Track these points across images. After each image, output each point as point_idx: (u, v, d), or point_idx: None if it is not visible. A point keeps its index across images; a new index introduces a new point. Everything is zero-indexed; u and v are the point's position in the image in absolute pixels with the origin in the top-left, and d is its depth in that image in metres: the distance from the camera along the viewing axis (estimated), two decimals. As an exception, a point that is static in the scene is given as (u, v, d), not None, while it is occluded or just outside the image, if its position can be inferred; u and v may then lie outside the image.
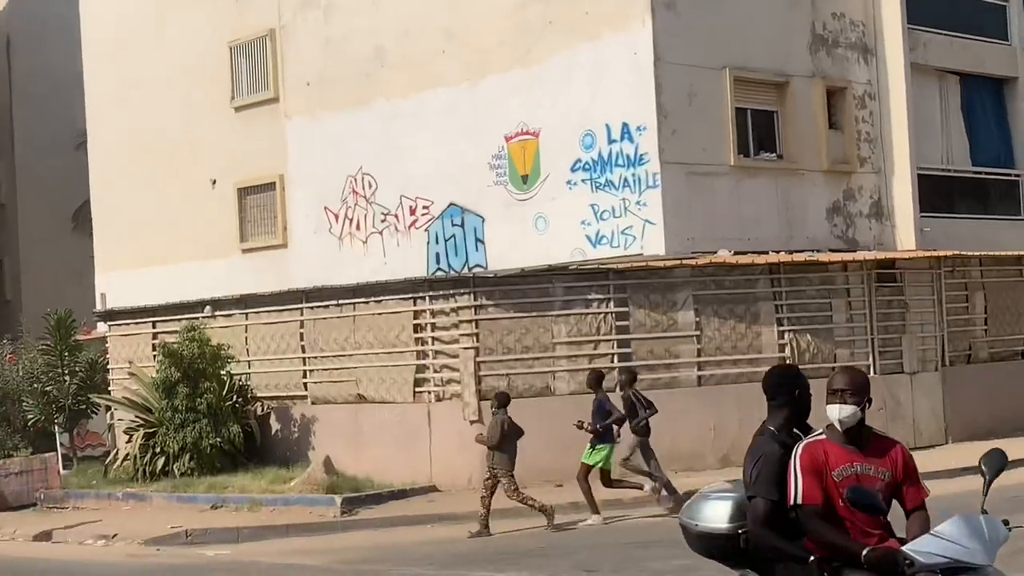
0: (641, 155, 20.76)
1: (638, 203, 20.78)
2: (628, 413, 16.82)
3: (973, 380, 22.32)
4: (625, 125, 20.97)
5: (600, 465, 16.51)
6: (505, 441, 15.98)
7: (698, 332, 20.02)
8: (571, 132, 21.66)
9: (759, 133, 22.47)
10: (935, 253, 22.28)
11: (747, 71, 21.88)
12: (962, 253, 22.65)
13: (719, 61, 21.46)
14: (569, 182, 21.72)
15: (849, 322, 21.18)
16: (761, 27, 22.18)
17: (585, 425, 16.61)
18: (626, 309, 19.75)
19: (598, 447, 16.54)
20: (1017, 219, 25.74)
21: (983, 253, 23.21)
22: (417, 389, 20.11)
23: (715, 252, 20.58)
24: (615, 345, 19.70)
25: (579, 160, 21.55)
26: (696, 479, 18.48)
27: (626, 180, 20.97)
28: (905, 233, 23.50)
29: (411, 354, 20.43)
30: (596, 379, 17.17)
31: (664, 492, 16.77)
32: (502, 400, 16.43)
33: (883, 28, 23.64)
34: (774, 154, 22.55)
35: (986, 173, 25.70)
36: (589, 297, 19.73)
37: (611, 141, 21.14)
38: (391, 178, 24.41)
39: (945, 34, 24.79)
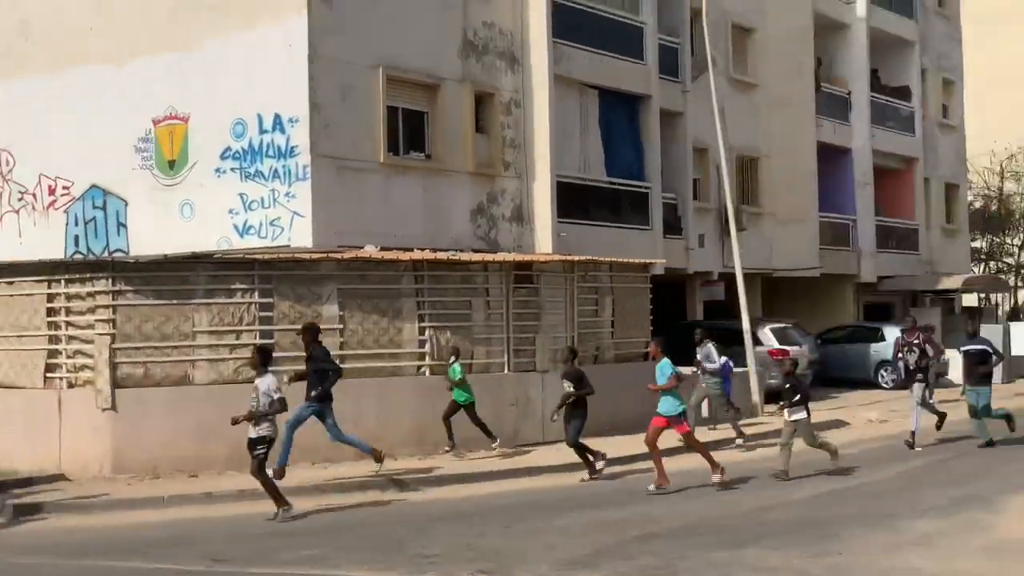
0: (292, 147, 20.89)
1: (287, 195, 20.90)
2: None
3: (599, 379, 23.42)
4: (277, 116, 21.03)
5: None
6: None
7: (341, 325, 20.26)
8: (222, 120, 21.54)
9: (409, 132, 23.00)
10: (569, 257, 23.37)
11: (400, 71, 22.35)
12: (594, 258, 23.86)
13: (373, 59, 21.82)
14: (218, 170, 21.57)
15: (487, 320, 21.89)
16: (415, 29, 22.70)
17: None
18: (271, 300, 19.74)
19: None
20: (645, 229, 27.34)
21: (613, 259, 24.48)
22: (48, 375, 19.43)
23: (362, 247, 20.91)
24: (258, 336, 19.63)
25: (229, 148, 21.46)
26: (331, 471, 18.76)
27: (276, 171, 21.03)
28: (543, 237, 24.59)
29: (43, 338, 19.73)
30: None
31: None
32: None
33: (530, 39, 24.70)
34: (423, 154, 23.12)
35: (619, 184, 27.15)
36: (233, 287, 19.60)
37: (263, 131, 21.15)
38: (31, 156, 23.57)
39: (587, 50, 26.06)
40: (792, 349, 29.89)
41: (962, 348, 21.32)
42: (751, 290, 31.28)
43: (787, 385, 18.26)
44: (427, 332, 21.05)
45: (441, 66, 23.23)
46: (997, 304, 49.10)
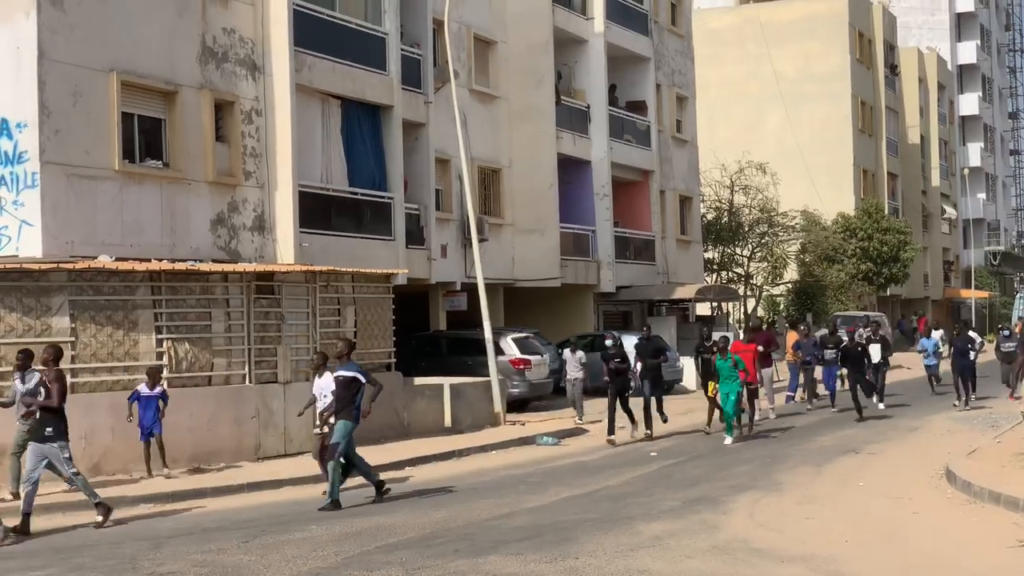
0: (20, 153, 20.09)
1: (15, 203, 20.10)
2: None
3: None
4: (4, 121, 20.21)
5: None
6: None
7: (73, 338, 19.57)
8: (-57, 124, 20.54)
9: (146, 139, 22.41)
10: (311, 268, 23.19)
11: (135, 76, 21.74)
12: (336, 269, 23.72)
13: (106, 63, 21.18)
14: (-62, 176, 20.57)
15: (228, 332, 21.52)
16: (150, 33, 22.13)
17: None
18: (-4, 312, 18.94)
19: None
20: (388, 239, 27.34)
21: (355, 270, 24.39)
22: None
23: (96, 257, 20.25)
24: (-17, 349, 18.83)
25: (-49, 154, 20.47)
26: (59, 489, 18.08)
27: (3, 178, 20.21)
28: (285, 247, 24.31)
29: None
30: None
31: None
32: None
33: (271, 48, 24.36)
34: (160, 162, 22.55)
35: (362, 194, 27.09)
36: (-45, 298, 18.73)
37: (-12, 137, 20.30)
38: None
39: (329, 59, 25.90)
40: (534, 358, 30.47)
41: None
42: (493, 300, 31.70)
43: None
44: (165, 344, 20.55)
45: (178, 72, 22.71)
46: (728, 312, 51.13)
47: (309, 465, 18.83)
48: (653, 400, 24.61)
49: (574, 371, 27.31)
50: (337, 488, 16.44)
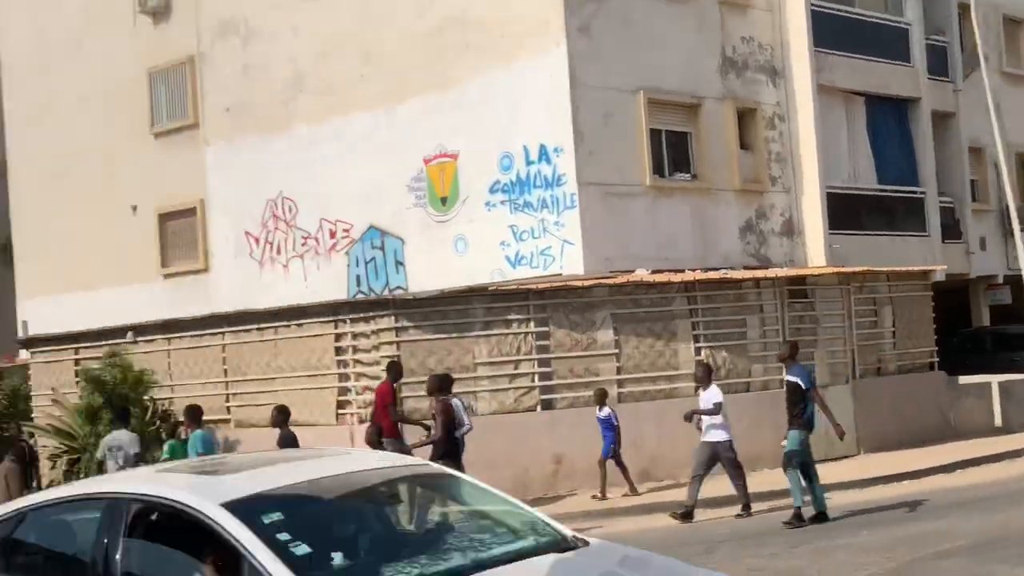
0: (559, 176, 21.15)
1: (556, 224, 21.16)
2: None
3: (883, 392, 22.92)
4: (543, 147, 21.34)
5: None
6: None
7: (617, 350, 20.36)
8: (489, 154, 21.99)
9: (673, 153, 22.96)
10: (844, 269, 22.87)
11: (660, 93, 22.37)
12: (870, 269, 23.25)
13: (633, 83, 21.92)
14: (488, 204, 22.05)
15: (763, 337, 21.63)
16: (673, 50, 22.69)
17: None
18: (546, 329, 20.04)
19: None
20: (922, 235, 26.48)
21: (890, 268, 23.81)
22: (340, 411, 20.26)
23: (632, 271, 20.98)
24: (536, 364, 19.98)
25: (497, 182, 21.89)
26: (609, 494, 18.84)
27: (544, 201, 21.33)
28: (815, 250, 24.13)
29: (333, 377, 20.56)
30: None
31: None
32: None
33: (790, 51, 24.31)
34: (688, 174, 23.05)
35: (891, 191, 26.40)
36: (509, 317, 20.01)
37: (529, 163, 21.51)
38: (311, 202, 24.59)
39: (850, 56, 25.46)
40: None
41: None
42: (1039, 292, 29.93)
43: None
44: (703, 352, 20.93)
45: (701, 85, 23.15)
46: None
47: (860, 469, 18.54)
48: None
49: None
50: (800, 498, 15.82)
